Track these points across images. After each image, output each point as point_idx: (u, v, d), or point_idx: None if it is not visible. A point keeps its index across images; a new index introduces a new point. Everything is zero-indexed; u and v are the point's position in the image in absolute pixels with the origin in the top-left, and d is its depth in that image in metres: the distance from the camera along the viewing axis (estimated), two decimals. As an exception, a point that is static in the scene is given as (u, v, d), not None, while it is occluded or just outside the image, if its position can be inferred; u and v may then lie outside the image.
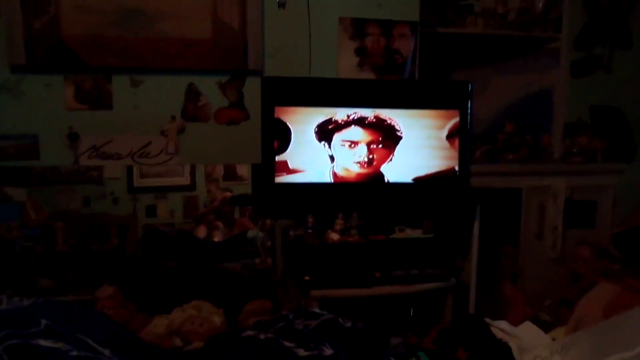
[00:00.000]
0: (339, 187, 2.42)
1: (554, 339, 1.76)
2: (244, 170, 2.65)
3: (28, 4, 2.36)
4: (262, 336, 1.41)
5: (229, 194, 2.64)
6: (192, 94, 2.60)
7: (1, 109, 2.42)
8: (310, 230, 2.35)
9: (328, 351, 1.35)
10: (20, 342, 1.19)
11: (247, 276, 2.60)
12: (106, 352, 1.33)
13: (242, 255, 2.63)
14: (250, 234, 2.66)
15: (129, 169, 2.55)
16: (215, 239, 2.68)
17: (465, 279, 2.58)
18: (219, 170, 2.63)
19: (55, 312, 1.40)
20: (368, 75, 2.72)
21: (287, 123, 2.35)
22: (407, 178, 2.46)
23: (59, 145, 2.49)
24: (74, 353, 1.24)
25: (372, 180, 2.42)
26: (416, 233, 2.47)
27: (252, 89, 2.59)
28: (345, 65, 2.70)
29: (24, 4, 2.35)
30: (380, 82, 2.68)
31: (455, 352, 1.64)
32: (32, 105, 2.45)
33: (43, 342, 1.23)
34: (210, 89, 2.60)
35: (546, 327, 2.19)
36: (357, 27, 2.70)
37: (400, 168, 2.44)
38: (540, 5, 3.02)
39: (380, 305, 2.40)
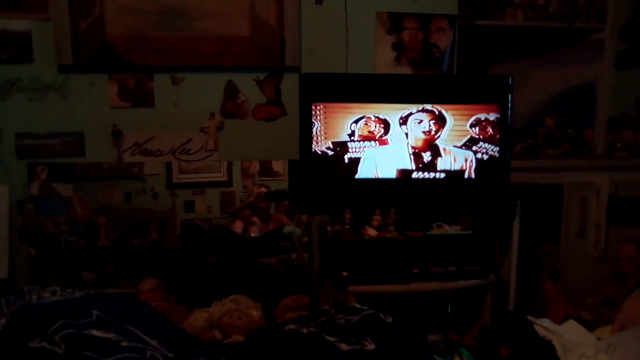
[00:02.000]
0: (378, 183, 2.42)
1: (599, 339, 1.72)
2: (279, 166, 2.67)
3: (75, 7, 2.44)
4: (304, 330, 1.43)
5: (263, 189, 2.67)
6: (231, 91, 2.64)
7: (49, 107, 2.51)
8: (347, 226, 2.35)
9: (370, 346, 1.36)
10: (75, 331, 1.24)
11: (284, 271, 2.62)
12: (154, 342, 1.37)
13: (278, 250, 2.66)
14: (286, 229, 2.68)
15: (168, 165, 2.61)
16: (252, 234, 2.71)
17: (505, 276, 2.53)
18: (255, 166, 2.66)
19: (105, 303, 1.45)
20: (405, 70, 2.70)
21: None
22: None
23: (103, 142, 2.56)
24: (125, 343, 1.29)
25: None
26: (454, 229, 2.44)
27: (289, 85, 2.61)
28: (382, 60, 2.69)
29: (71, 7, 2.43)
30: (419, 77, 2.66)
31: (498, 349, 1.61)
32: (78, 104, 2.53)
33: (95, 332, 1.27)
34: (248, 86, 2.63)
35: (588, 327, 2.14)
36: (394, 22, 2.68)
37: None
38: (583, -5, 2.94)
39: (418, 302, 2.38)
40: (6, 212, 2.47)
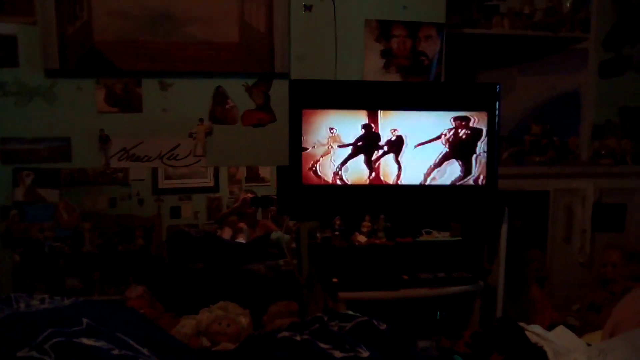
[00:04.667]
0: (368, 189, 2.42)
1: (589, 344, 1.74)
2: (266, 171, 2.66)
3: (62, 11, 2.41)
4: (297, 337, 1.42)
5: (249, 195, 2.65)
6: (220, 96, 2.62)
7: (35, 112, 2.47)
8: (337, 232, 2.35)
9: (364, 353, 1.35)
10: (65, 340, 1.21)
11: (272, 278, 2.61)
12: (145, 351, 1.35)
13: (266, 256, 2.64)
14: (274, 235, 2.67)
15: (154, 171, 2.58)
16: (240, 241, 2.69)
17: (493, 282, 2.55)
18: (242, 172, 2.65)
19: (95, 311, 1.42)
20: (394, 77, 2.72)
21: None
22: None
23: (90, 147, 2.53)
24: (115, 352, 1.26)
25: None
26: (443, 236, 2.46)
27: (278, 91, 2.61)
28: (371, 67, 2.70)
29: (59, 11, 2.40)
30: (408, 84, 2.68)
31: (490, 355, 1.62)
32: (64, 109, 2.49)
33: (86, 341, 1.25)
34: (237, 91, 2.62)
35: (575, 332, 2.16)
36: (383, 29, 2.70)
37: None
38: (568, 5, 2.99)
39: (407, 308, 2.39)
40: (-10, 218, 2.42)
